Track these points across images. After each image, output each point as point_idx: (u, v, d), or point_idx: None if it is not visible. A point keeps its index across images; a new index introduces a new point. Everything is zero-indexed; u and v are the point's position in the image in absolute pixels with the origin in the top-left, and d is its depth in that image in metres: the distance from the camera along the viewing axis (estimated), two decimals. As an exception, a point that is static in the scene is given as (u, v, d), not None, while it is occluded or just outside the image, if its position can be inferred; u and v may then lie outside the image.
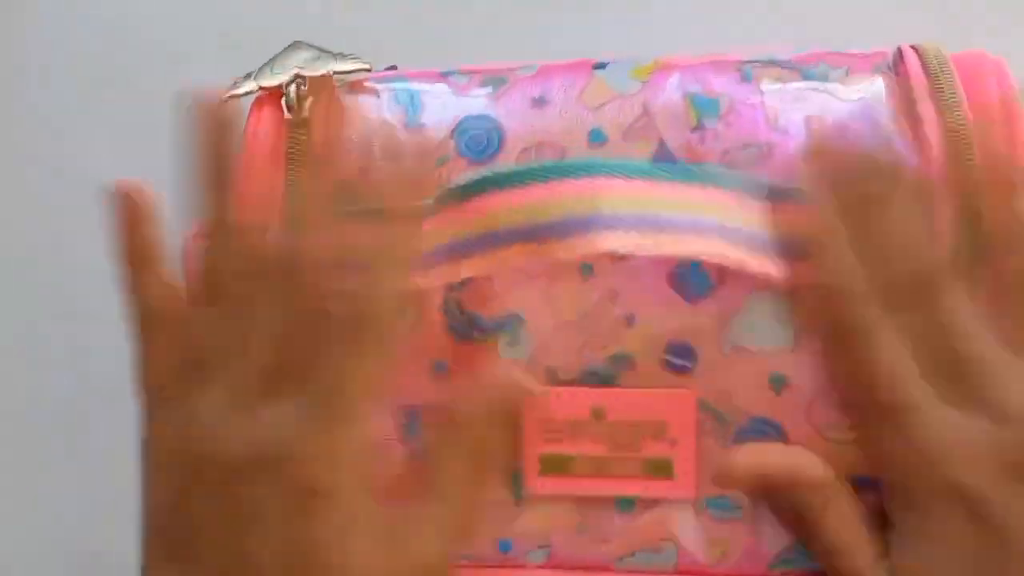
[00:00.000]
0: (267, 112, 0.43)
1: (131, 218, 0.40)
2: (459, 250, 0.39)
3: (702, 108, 0.40)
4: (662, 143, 0.39)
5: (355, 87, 0.43)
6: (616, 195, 0.38)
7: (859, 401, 0.36)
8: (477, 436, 0.37)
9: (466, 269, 0.39)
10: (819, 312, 0.37)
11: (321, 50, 0.44)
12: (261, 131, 0.43)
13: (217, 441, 0.35)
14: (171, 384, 0.38)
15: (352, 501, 0.35)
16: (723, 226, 0.38)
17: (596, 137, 0.40)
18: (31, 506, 0.58)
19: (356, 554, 0.35)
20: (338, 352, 0.36)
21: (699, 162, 0.39)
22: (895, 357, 0.35)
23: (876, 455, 0.36)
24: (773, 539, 0.38)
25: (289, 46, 0.45)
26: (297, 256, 0.37)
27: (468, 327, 0.40)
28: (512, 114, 0.41)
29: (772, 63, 0.41)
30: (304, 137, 0.42)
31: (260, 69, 0.44)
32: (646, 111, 0.40)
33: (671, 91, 0.40)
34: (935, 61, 0.40)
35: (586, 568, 0.40)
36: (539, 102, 0.41)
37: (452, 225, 0.39)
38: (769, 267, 0.37)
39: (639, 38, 0.58)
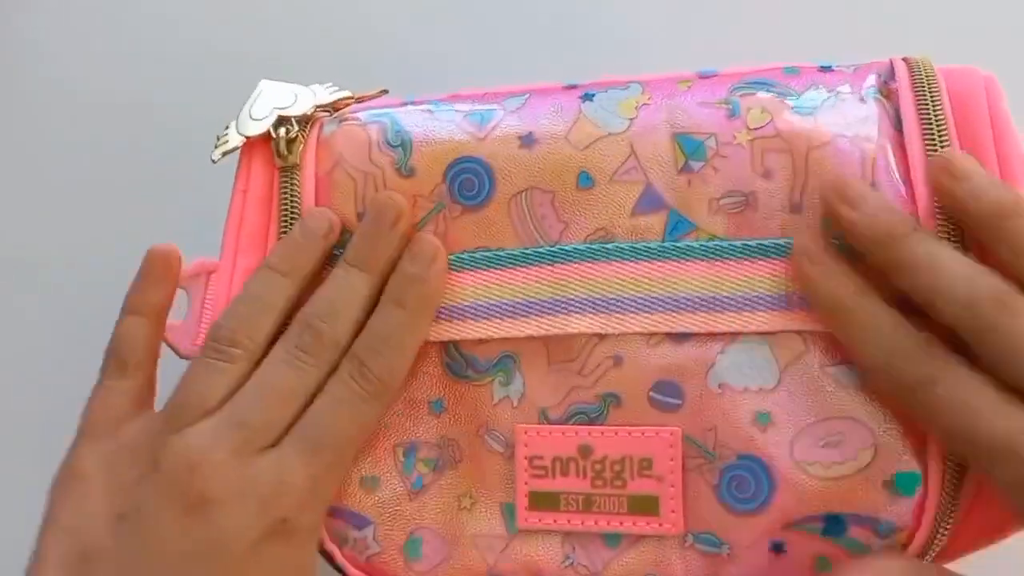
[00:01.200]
0: (257, 158, 0.45)
1: (158, 276, 0.43)
2: (480, 312, 0.41)
3: (689, 150, 0.40)
4: (649, 185, 0.40)
5: (345, 127, 0.44)
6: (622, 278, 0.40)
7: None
8: None
9: (478, 331, 0.41)
10: (880, 380, 0.37)
11: (291, 85, 0.45)
12: (253, 178, 0.44)
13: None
14: (119, 424, 0.41)
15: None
16: (714, 297, 0.39)
17: (584, 181, 0.41)
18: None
19: None
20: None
21: (686, 210, 0.40)
22: (970, 396, 0.35)
23: None
24: (760, 574, 0.39)
25: (257, 89, 0.45)
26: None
27: (464, 367, 0.42)
28: (501, 155, 0.42)
29: (761, 88, 0.41)
30: (296, 182, 0.43)
31: (239, 118, 0.45)
32: (633, 152, 0.40)
33: (658, 130, 0.40)
34: (925, 83, 0.40)
35: (575, 602, 0.41)
36: (527, 140, 0.41)
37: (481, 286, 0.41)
38: (759, 324, 0.39)
39: (631, 49, 0.58)
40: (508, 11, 0.60)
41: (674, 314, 0.39)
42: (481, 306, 0.41)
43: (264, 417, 0.39)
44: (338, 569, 0.42)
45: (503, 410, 0.41)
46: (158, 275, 0.43)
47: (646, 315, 0.40)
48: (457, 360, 0.42)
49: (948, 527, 0.37)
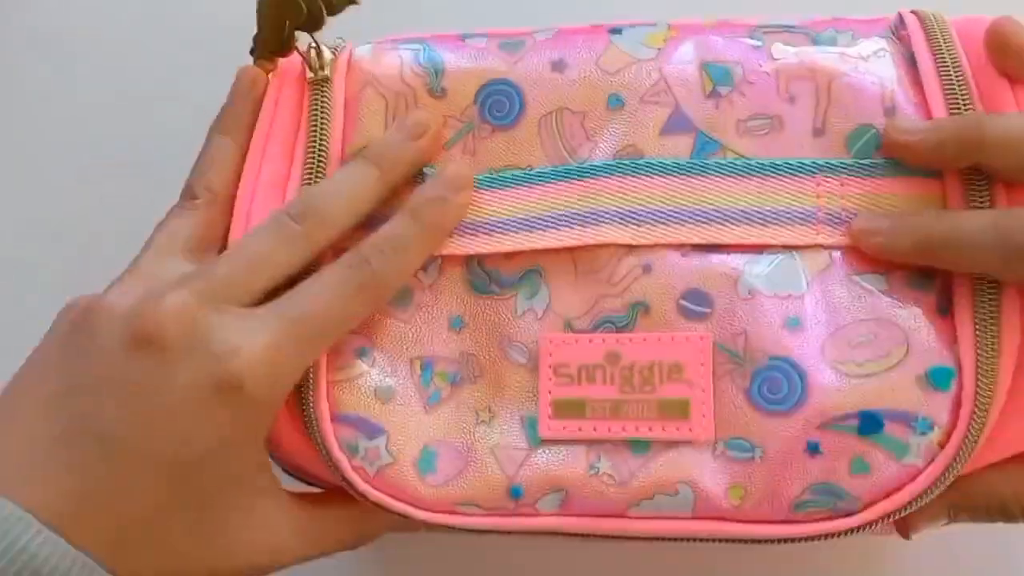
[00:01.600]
0: (288, 76, 0.45)
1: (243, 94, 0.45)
2: (508, 226, 0.41)
3: (717, 76, 0.41)
4: (677, 107, 0.41)
5: (377, 48, 0.45)
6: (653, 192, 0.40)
7: None
8: None
9: (504, 243, 0.41)
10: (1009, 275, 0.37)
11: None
12: (284, 91, 0.44)
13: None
14: None
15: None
16: (743, 210, 0.40)
17: (614, 102, 0.41)
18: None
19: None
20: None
21: (713, 132, 0.41)
22: None
23: None
24: (795, 480, 0.38)
25: None
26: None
27: (488, 283, 0.41)
28: (532, 78, 0.42)
29: (782, 29, 0.42)
30: (327, 95, 0.43)
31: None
32: (662, 76, 0.41)
33: (686, 58, 0.42)
34: (936, 26, 0.41)
35: (600, 515, 0.39)
36: (558, 66, 0.42)
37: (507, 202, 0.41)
38: (787, 238, 0.39)
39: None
40: (508, 11, 0.61)
41: (703, 226, 0.39)
42: (509, 220, 0.41)
43: (231, 273, 0.39)
44: (348, 484, 0.40)
45: (527, 322, 0.40)
46: (244, 93, 0.44)
47: (676, 226, 0.40)
48: (480, 276, 0.41)
49: (986, 422, 0.36)
